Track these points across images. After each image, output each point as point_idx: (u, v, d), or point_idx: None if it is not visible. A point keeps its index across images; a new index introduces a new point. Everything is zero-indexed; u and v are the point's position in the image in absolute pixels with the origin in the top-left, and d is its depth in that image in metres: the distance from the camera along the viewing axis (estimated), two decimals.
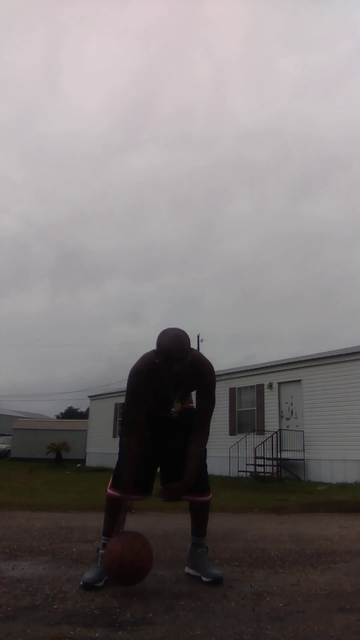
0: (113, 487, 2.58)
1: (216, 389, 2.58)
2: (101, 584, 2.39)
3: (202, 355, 2.56)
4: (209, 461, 2.76)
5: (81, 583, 2.38)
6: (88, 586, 2.35)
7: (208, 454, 2.75)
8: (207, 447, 2.76)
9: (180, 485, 2.49)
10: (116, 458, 2.64)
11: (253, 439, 14.34)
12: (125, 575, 2.29)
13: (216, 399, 2.59)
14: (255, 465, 13.60)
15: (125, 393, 2.57)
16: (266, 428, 14.83)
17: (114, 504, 2.56)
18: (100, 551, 2.53)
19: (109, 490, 2.59)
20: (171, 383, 2.40)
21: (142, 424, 2.51)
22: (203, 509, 2.69)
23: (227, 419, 16.23)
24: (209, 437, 2.63)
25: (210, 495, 2.70)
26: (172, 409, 2.48)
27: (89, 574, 2.42)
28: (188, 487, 2.50)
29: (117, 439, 2.88)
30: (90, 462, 22.13)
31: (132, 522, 2.70)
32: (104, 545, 2.55)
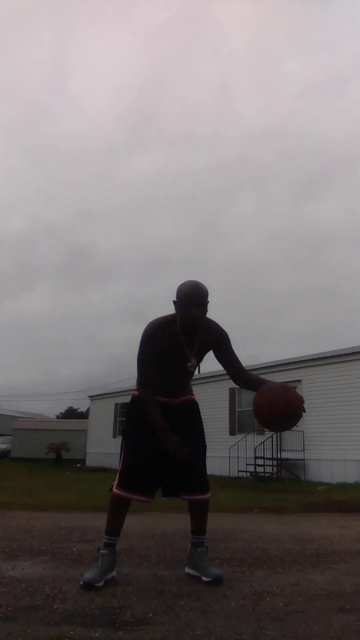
0: (120, 487, 2.56)
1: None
2: (101, 584, 2.39)
3: None
4: (208, 461, 2.76)
5: (81, 583, 2.38)
6: (88, 586, 2.35)
7: (208, 453, 2.75)
8: (207, 445, 2.76)
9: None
10: (117, 458, 2.63)
11: (253, 439, 14.32)
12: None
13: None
14: (255, 465, 13.60)
15: (137, 362, 2.55)
16: None
17: (121, 503, 2.57)
18: (101, 551, 2.53)
19: (116, 490, 2.57)
20: (188, 329, 2.47)
21: (154, 385, 2.55)
22: (203, 508, 2.68)
23: (227, 419, 16.18)
24: (208, 437, 2.62)
25: (209, 494, 2.68)
26: (188, 364, 2.53)
27: (89, 574, 2.42)
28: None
29: (118, 439, 2.87)
30: (90, 462, 22.11)
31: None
32: (106, 545, 2.55)
